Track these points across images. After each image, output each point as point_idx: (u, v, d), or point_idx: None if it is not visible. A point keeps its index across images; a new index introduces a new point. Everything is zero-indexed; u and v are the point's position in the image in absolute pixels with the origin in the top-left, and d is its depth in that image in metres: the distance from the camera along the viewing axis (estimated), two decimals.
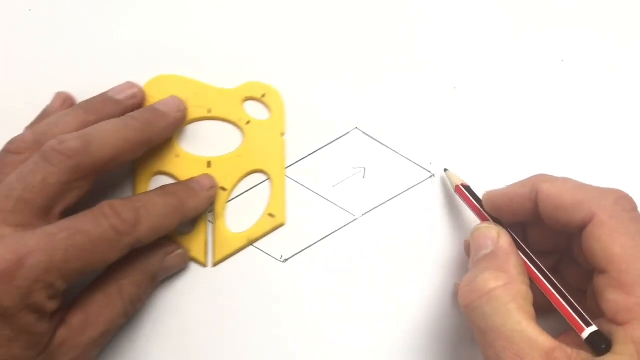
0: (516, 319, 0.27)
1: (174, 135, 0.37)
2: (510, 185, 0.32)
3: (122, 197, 0.34)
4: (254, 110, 0.38)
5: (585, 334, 0.27)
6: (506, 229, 0.31)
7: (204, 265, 0.36)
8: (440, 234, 0.37)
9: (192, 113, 0.37)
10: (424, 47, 0.39)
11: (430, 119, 0.38)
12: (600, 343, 0.26)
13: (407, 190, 0.37)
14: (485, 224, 0.32)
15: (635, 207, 0.29)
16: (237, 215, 0.37)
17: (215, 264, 0.36)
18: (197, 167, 0.37)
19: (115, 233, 0.30)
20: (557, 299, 0.29)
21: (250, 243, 0.36)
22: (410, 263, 0.36)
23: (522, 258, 0.30)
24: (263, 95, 0.38)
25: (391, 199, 0.37)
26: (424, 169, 0.38)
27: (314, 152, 0.38)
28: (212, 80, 0.38)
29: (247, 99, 0.38)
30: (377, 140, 0.38)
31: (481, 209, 0.33)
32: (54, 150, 0.30)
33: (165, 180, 0.37)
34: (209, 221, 0.36)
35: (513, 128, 0.38)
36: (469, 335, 0.35)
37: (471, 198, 0.34)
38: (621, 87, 0.38)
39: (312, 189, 0.38)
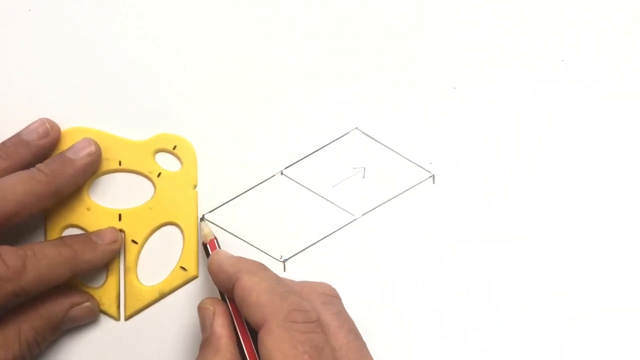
0: None
1: (85, 187, 0.36)
2: (234, 258, 0.32)
3: None
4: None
5: None
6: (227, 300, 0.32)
7: (116, 318, 0.36)
8: (440, 233, 0.37)
9: (103, 165, 0.37)
10: (424, 47, 0.39)
11: (430, 119, 0.38)
12: None
13: (407, 190, 0.37)
14: (205, 302, 0.32)
15: (311, 320, 0.29)
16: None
17: (127, 318, 0.36)
18: (107, 219, 0.36)
19: None
20: None
21: (162, 297, 0.36)
22: (409, 263, 0.37)
23: (235, 338, 0.31)
24: (174, 147, 0.37)
25: (391, 199, 0.37)
26: (423, 169, 0.38)
27: (314, 152, 0.38)
28: (122, 132, 0.37)
29: (159, 150, 0.37)
30: (376, 140, 0.38)
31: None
32: None
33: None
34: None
35: (513, 128, 0.38)
36: (466, 335, 0.35)
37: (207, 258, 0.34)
38: (621, 87, 0.38)
39: (312, 189, 0.38)
